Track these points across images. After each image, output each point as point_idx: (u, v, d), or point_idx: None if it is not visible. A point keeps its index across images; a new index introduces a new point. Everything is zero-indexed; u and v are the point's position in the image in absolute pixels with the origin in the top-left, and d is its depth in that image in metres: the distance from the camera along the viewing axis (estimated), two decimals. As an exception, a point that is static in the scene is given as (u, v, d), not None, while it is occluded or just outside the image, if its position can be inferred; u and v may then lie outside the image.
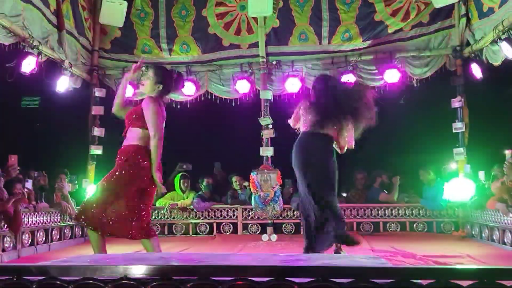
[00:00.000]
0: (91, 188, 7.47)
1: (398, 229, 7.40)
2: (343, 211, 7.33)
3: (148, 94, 3.88)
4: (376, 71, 7.69)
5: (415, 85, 7.65)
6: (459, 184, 7.13)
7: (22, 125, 7.71)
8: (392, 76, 7.52)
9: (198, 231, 7.59)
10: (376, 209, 7.48)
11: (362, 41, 7.74)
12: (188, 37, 8.01)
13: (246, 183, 7.85)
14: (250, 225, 7.58)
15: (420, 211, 7.40)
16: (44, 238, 5.90)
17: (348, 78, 7.55)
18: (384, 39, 7.70)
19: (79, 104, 7.76)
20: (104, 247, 3.75)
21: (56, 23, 6.67)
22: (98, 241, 3.70)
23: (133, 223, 3.65)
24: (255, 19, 7.83)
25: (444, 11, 7.45)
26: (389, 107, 8.68)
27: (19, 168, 5.96)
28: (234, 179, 8.08)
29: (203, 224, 7.59)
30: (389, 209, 7.45)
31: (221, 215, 7.62)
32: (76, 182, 7.33)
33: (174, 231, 7.62)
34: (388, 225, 7.45)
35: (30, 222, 5.58)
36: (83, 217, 3.70)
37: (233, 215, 7.62)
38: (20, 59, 5.87)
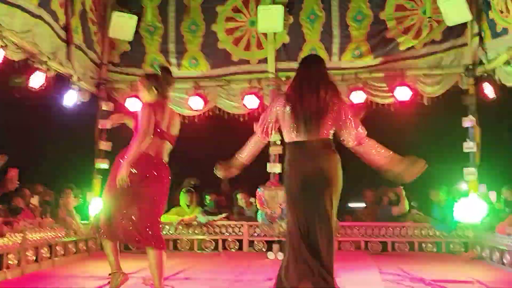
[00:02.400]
0: (96, 202, 7.52)
1: (407, 249, 7.35)
2: (351, 229, 7.44)
3: (149, 101, 4.07)
4: (387, 88, 7.68)
5: (426, 103, 7.63)
6: (469, 205, 7.08)
7: (30, 140, 7.79)
8: (403, 93, 7.49)
9: (204, 247, 7.59)
10: (384, 228, 7.43)
11: (373, 58, 7.74)
12: (197, 52, 8.07)
13: (252, 199, 7.86)
14: (255, 242, 7.56)
15: (429, 231, 7.34)
16: (48, 254, 5.92)
17: (358, 95, 7.56)
18: (395, 57, 7.69)
19: (86, 118, 7.83)
20: (118, 254, 4.00)
21: (65, 38, 6.75)
22: (113, 249, 3.96)
23: (144, 229, 3.80)
24: (264, 35, 7.88)
25: (456, 29, 7.44)
26: (399, 125, 8.71)
27: (18, 182, 6.01)
28: (239, 196, 8.09)
29: (209, 241, 7.58)
30: (398, 228, 7.40)
31: (226, 231, 7.61)
32: (81, 196, 7.39)
33: (179, 247, 7.62)
34: (396, 244, 7.40)
35: (34, 238, 5.60)
36: (98, 228, 3.92)
37: (239, 231, 7.61)
38: (29, 74, 5.94)
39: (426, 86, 7.64)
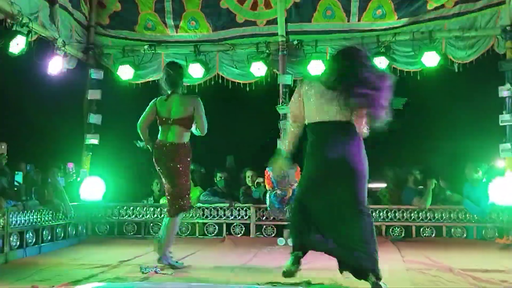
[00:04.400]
0: (89, 180, 7.57)
1: (433, 235, 7.38)
2: (371, 212, 7.45)
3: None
4: (413, 53, 7.64)
5: (457, 70, 7.57)
6: (505, 185, 7.05)
7: (11, 112, 7.81)
8: (430, 59, 7.47)
9: (206, 232, 7.65)
10: (408, 212, 7.45)
11: (397, 18, 7.67)
12: (197, 12, 8.00)
13: (260, 180, 7.87)
14: (264, 227, 7.62)
15: (459, 215, 7.34)
16: (34, 240, 5.99)
17: (380, 61, 7.51)
18: (422, 17, 7.62)
19: (74, 88, 7.83)
20: None
21: (47, -4, 6.71)
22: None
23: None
24: (273, -8, 7.81)
25: (493, -15, 7.35)
26: (426, 95, 8.65)
27: (7, 157, 6.06)
28: (248, 173, 8.10)
29: (212, 225, 7.64)
30: (423, 212, 7.42)
31: (231, 215, 7.66)
32: (74, 172, 7.44)
33: (179, 231, 7.67)
34: (421, 229, 7.43)
35: (18, 222, 5.67)
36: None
37: (245, 215, 7.65)
38: (8, 38, 5.90)
39: (457, 51, 7.59)
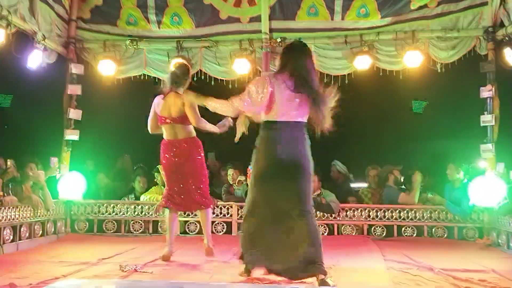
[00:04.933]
0: (67, 176, 7.50)
1: (415, 234, 7.46)
2: (353, 211, 7.54)
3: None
4: (396, 53, 7.68)
5: (439, 70, 7.64)
6: (486, 185, 7.13)
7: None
8: (413, 59, 7.51)
9: (187, 230, 7.64)
10: (390, 211, 7.53)
11: (381, 18, 7.71)
12: (180, 7, 7.95)
13: (242, 178, 7.89)
14: (246, 225, 7.62)
15: (440, 215, 7.44)
16: (11, 237, 5.94)
17: (363, 60, 7.56)
18: (405, 17, 7.66)
19: (53, 82, 7.75)
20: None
21: (27, -12, 6.62)
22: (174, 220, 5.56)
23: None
24: (257, -12, 7.80)
25: (475, -15, 7.43)
26: (408, 95, 8.75)
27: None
28: (230, 171, 8.10)
29: (193, 223, 7.63)
30: (405, 211, 7.49)
31: (213, 213, 7.64)
32: (58, 167, 7.39)
33: (159, 229, 7.67)
34: (403, 229, 7.51)
35: (-5, 219, 5.61)
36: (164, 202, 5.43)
37: (227, 213, 7.67)
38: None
39: (439, 51, 7.64)
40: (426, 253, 5.99)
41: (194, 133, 5.45)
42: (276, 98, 4.10)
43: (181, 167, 5.36)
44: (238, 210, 7.61)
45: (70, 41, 7.88)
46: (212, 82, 8.02)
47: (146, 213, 7.67)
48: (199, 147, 5.45)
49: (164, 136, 5.46)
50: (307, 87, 4.14)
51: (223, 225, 7.66)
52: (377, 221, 7.55)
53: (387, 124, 9.87)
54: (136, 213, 7.68)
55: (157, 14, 7.97)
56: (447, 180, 7.66)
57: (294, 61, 4.21)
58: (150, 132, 5.59)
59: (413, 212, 7.49)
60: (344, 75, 7.81)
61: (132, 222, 7.71)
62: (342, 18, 7.79)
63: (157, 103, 5.45)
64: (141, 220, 7.70)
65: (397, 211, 7.51)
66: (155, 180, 8.02)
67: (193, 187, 5.41)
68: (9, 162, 6.52)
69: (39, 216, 6.50)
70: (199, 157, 5.44)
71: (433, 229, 7.47)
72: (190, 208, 5.89)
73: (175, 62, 5.92)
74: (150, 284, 4.23)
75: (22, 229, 6.16)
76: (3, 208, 5.76)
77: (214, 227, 7.60)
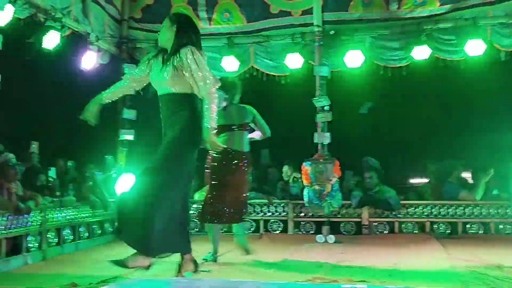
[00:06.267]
0: (125, 177, 7.67)
1: (481, 231, 7.27)
2: (414, 208, 7.42)
3: None
4: (456, 41, 7.49)
5: (503, 58, 7.40)
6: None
7: (45, 108, 7.97)
8: (475, 47, 7.29)
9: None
10: (454, 207, 7.36)
11: (439, 5, 7.53)
12: (230, 3, 8.02)
13: (297, 175, 7.88)
14: (302, 223, 7.62)
15: (508, 210, 7.21)
16: (71, 236, 6.13)
17: (422, 50, 7.41)
18: (466, 3, 7.44)
19: (107, 82, 7.90)
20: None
21: (79, -10, 6.82)
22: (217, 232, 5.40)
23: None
24: (309, -20, 7.76)
25: (543, -34, 7.15)
26: (469, 86, 8.52)
27: (38, 156, 6.20)
28: (285, 168, 8.10)
29: (248, 221, 7.66)
30: (470, 208, 7.31)
31: (269, 211, 7.68)
32: (114, 167, 7.57)
33: (216, 228, 7.73)
34: (468, 226, 7.32)
35: (55, 219, 5.81)
36: (203, 214, 5.30)
37: (283, 211, 7.67)
38: (40, 33, 6.02)
39: (503, 38, 7.39)
40: (493, 251, 5.83)
41: (248, 145, 5.50)
42: None
43: (229, 177, 5.31)
44: (294, 208, 7.61)
45: (123, 41, 8.07)
46: (264, 78, 8.03)
47: (201, 212, 7.75)
48: (249, 159, 5.46)
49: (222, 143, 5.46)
50: None
51: (279, 223, 7.67)
52: (439, 218, 7.39)
53: (446, 116, 9.66)
54: (190, 211, 7.76)
55: (208, 11, 8.05)
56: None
57: None
58: None
59: (478, 208, 7.29)
60: (401, 66, 7.68)
61: (187, 221, 7.80)
62: (399, 7, 7.65)
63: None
64: (195, 219, 7.77)
65: (462, 207, 7.34)
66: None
67: (236, 198, 5.37)
68: (69, 163, 6.73)
69: (97, 216, 6.68)
70: (246, 169, 5.46)
71: (500, 226, 7.24)
72: (234, 220, 5.52)
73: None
74: (207, 282, 4.28)
75: (81, 229, 6.35)
76: (63, 208, 5.95)
77: (270, 226, 7.62)
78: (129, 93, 4.53)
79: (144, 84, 4.32)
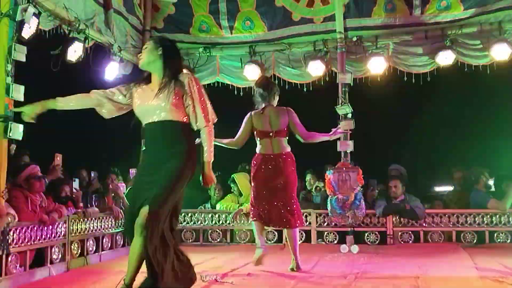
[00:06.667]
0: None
1: (509, 241, 7.15)
2: (440, 217, 7.32)
3: None
4: (481, 46, 7.42)
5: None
6: None
7: (68, 120, 8.07)
8: (501, 52, 7.23)
9: (266, 239, 7.67)
10: (481, 216, 7.25)
11: (463, 9, 7.47)
12: (252, 11, 8.04)
13: (320, 184, 7.84)
14: (325, 233, 7.58)
15: (537, 219, 7.09)
16: (94, 248, 6.19)
17: (446, 55, 7.35)
18: (491, 7, 7.37)
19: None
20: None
21: (102, 1, 6.87)
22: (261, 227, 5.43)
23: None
24: (330, -14, 7.76)
25: None
26: (496, 91, 8.41)
27: (62, 168, 6.27)
28: (308, 177, 8.07)
29: (271, 231, 7.65)
30: (497, 216, 7.20)
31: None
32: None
33: (238, 238, 7.76)
34: (495, 235, 7.21)
35: (79, 230, 5.87)
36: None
37: (306, 221, 7.64)
38: (65, 45, 6.10)
39: (530, 42, 7.30)
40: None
41: (289, 148, 5.48)
42: None
43: (274, 182, 5.32)
44: (316, 217, 7.58)
45: (145, 51, 8.11)
46: (287, 86, 8.03)
47: (224, 222, 7.77)
48: (294, 163, 5.44)
49: (259, 150, 5.46)
50: None
51: (301, 233, 7.61)
52: (466, 226, 7.29)
53: (473, 122, 9.54)
54: (213, 222, 7.79)
55: (229, 20, 8.09)
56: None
57: None
58: (233, 145, 5.54)
59: (506, 216, 7.17)
60: (426, 72, 7.62)
61: (210, 231, 7.83)
62: (422, 12, 7.61)
63: (254, 118, 5.48)
64: (219, 229, 7.80)
65: (489, 215, 7.22)
66: (232, 191, 8.11)
67: (282, 203, 5.34)
68: (92, 174, 6.80)
69: (120, 227, 6.74)
70: (293, 173, 5.42)
71: (530, 235, 7.12)
72: (278, 225, 5.63)
73: (256, 81, 5.85)
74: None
75: (104, 240, 6.41)
76: (86, 219, 6.02)
77: (293, 235, 7.58)
78: (96, 109, 4.32)
79: (114, 115, 4.24)
